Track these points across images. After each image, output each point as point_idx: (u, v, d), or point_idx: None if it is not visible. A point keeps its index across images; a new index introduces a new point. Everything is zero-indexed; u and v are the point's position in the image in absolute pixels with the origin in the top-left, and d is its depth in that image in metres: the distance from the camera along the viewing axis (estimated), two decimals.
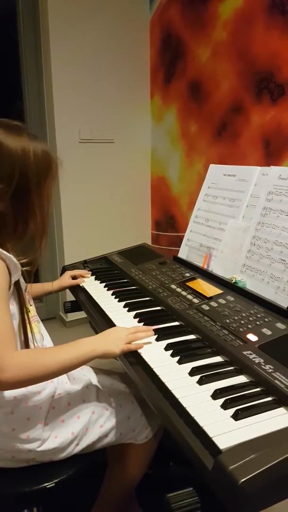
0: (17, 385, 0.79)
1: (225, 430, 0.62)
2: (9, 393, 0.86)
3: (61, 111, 2.37)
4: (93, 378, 1.08)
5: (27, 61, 2.42)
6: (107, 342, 0.85)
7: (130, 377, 0.83)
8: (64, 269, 1.48)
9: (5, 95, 2.56)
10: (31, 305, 0.95)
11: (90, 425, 0.93)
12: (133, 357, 0.85)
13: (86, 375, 1.07)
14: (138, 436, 1.00)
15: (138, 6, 2.48)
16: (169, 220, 2.68)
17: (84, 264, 1.50)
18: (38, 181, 0.82)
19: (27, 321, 0.88)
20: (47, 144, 0.89)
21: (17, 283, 0.86)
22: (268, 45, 1.79)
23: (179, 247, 2.55)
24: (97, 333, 1.33)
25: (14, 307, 0.85)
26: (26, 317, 0.87)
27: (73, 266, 1.49)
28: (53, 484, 0.82)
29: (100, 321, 1.05)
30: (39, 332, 0.95)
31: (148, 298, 1.14)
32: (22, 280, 0.90)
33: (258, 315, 0.89)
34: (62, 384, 0.94)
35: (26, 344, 0.87)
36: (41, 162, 0.82)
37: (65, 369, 0.80)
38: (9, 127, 0.81)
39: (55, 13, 2.24)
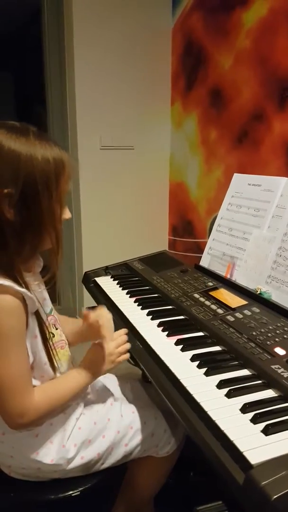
0: (36, 423, 0.82)
1: (255, 445, 0.62)
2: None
3: (83, 118, 2.39)
4: (117, 391, 1.09)
5: (51, 67, 2.46)
6: (103, 362, 0.88)
7: (155, 387, 0.83)
8: (86, 275, 1.49)
9: (29, 101, 2.61)
10: (56, 329, 0.90)
11: (115, 445, 0.92)
12: (158, 367, 0.86)
13: (110, 387, 1.08)
14: (160, 451, 1.00)
15: (160, 13, 2.50)
16: (187, 226, 2.68)
17: (105, 270, 1.51)
18: (47, 185, 0.75)
19: (50, 348, 0.84)
20: (58, 144, 0.80)
21: (36, 312, 0.81)
22: None
23: (196, 253, 2.56)
24: None
25: (37, 339, 0.82)
26: (50, 343, 0.84)
27: (94, 272, 1.50)
28: (78, 493, 0.82)
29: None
30: (67, 359, 0.92)
31: (171, 307, 1.14)
32: (42, 307, 0.85)
33: (286, 328, 0.89)
34: (87, 402, 0.94)
35: (53, 369, 0.86)
36: (50, 164, 0.75)
37: (75, 397, 0.86)
38: (13, 129, 0.74)
39: (79, 20, 2.27)
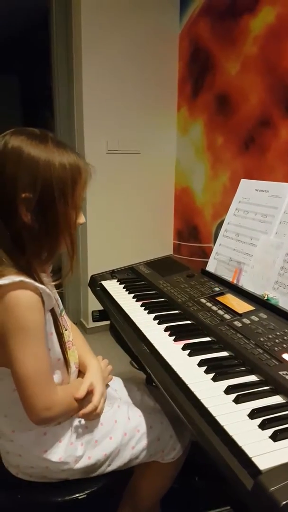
0: (59, 418, 0.85)
1: (264, 450, 0.62)
2: None
3: (90, 122, 2.41)
4: (123, 394, 1.10)
5: (58, 71, 2.48)
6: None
7: (162, 392, 0.83)
8: (93, 278, 1.50)
9: (35, 105, 2.63)
10: (65, 330, 0.92)
11: (122, 447, 0.93)
12: (165, 372, 0.86)
13: (117, 391, 1.09)
14: (166, 456, 1.00)
15: (168, 19, 2.52)
16: (192, 231, 2.69)
17: (111, 274, 1.52)
18: (63, 191, 0.77)
19: (64, 349, 0.87)
20: (76, 151, 0.82)
21: (52, 310, 0.84)
22: None
23: (201, 257, 2.56)
24: (118, 341, 1.35)
25: (53, 336, 0.84)
26: (63, 342, 0.86)
27: (101, 276, 1.51)
28: (85, 495, 0.83)
29: (130, 333, 1.06)
30: (75, 359, 0.94)
31: (178, 311, 1.14)
32: (56, 305, 0.88)
33: None
34: None
35: (66, 366, 0.89)
36: (67, 170, 0.77)
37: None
38: (32, 135, 0.77)
39: (87, 24, 2.30)
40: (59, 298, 0.91)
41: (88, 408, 0.85)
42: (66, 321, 0.94)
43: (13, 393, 0.80)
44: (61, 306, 0.92)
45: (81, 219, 0.85)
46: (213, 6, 2.26)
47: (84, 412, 0.85)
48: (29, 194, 0.75)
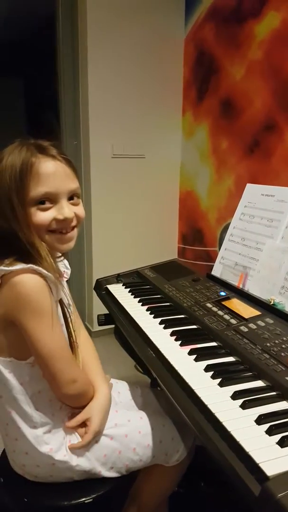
0: (82, 394, 0.89)
1: (271, 456, 0.62)
2: (48, 412, 0.87)
3: (96, 126, 2.43)
4: (127, 396, 1.10)
5: (64, 75, 2.50)
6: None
7: (167, 396, 0.83)
8: (98, 282, 1.50)
9: (40, 108, 2.64)
10: (74, 330, 0.94)
11: (123, 448, 0.93)
12: (172, 377, 0.86)
13: (120, 393, 1.09)
14: (170, 459, 1.00)
15: (173, 23, 2.53)
16: (196, 234, 2.69)
17: (117, 278, 1.52)
18: (10, 187, 0.78)
19: (74, 344, 0.89)
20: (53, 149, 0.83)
21: (60, 301, 0.86)
22: None
23: (206, 261, 2.56)
24: (123, 344, 1.36)
25: (62, 327, 0.86)
26: (72, 329, 0.89)
27: (106, 280, 1.51)
28: (91, 500, 0.83)
29: (136, 338, 1.06)
30: (80, 361, 0.95)
31: (183, 316, 1.14)
32: (64, 297, 0.91)
33: None
34: None
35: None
36: (13, 168, 0.78)
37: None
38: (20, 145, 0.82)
39: (93, 29, 2.31)
40: (68, 293, 0.94)
41: (76, 445, 0.87)
42: (74, 319, 0.96)
43: (20, 388, 0.81)
44: (71, 303, 0.94)
45: (59, 215, 0.82)
46: (218, 11, 2.27)
47: (72, 446, 0.88)
48: None
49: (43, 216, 0.81)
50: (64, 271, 1.00)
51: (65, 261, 1.00)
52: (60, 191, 0.81)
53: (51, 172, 0.80)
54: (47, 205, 0.81)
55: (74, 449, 0.88)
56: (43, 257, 0.79)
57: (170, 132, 2.67)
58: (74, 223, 0.85)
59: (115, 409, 0.99)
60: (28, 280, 0.76)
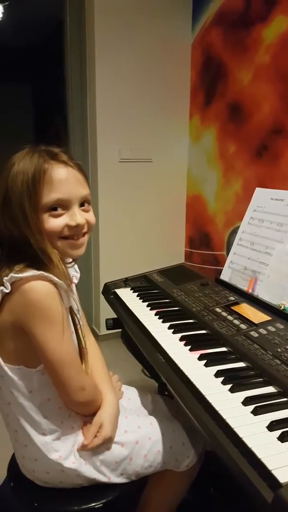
0: (90, 402, 0.89)
1: (284, 463, 0.62)
2: (56, 419, 0.87)
3: (103, 131, 2.44)
4: (136, 402, 1.10)
5: (72, 80, 2.52)
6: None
7: (178, 402, 0.83)
8: (106, 286, 1.50)
9: (48, 114, 2.66)
10: (83, 337, 0.94)
11: (134, 455, 0.93)
12: (182, 382, 0.86)
13: (131, 399, 1.09)
14: (180, 465, 1.00)
15: (180, 28, 2.54)
16: (203, 238, 2.69)
17: (125, 282, 1.53)
18: (22, 194, 0.77)
19: (83, 350, 0.89)
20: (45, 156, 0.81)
21: (70, 309, 0.86)
22: None
23: (214, 265, 2.56)
24: (130, 349, 1.36)
25: (72, 334, 0.87)
26: (81, 336, 0.89)
27: (114, 284, 1.52)
28: (101, 505, 0.83)
29: (144, 342, 1.06)
30: (89, 367, 0.95)
31: (192, 321, 1.14)
32: (74, 304, 0.91)
33: None
34: None
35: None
36: (25, 175, 0.78)
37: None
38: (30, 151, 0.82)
39: (100, 34, 2.33)
40: (77, 300, 0.94)
41: (84, 446, 0.87)
42: (83, 328, 0.95)
43: (29, 395, 0.81)
44: (80, 312, 0.94)
45: (72, 221, 0.81)
46: (226, 16, 2.28)
47: (80, 448, 0.87)
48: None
49: (55, 223, 0.80)
50: (73, 275, 1.00)
51: (75, 265, 1.00)
52: (72, 197, 0.81)
53: (64, 179, 0.80)
54: (60, 211, 0.80)
55: (82, 451, 0.87)
56: (55, 263, 0.79)
57: (177, 136, 2.68)
58: (85, 229, 0.85)
59: (124, 415, 0.98)
60: (39, 287, 0.76)
